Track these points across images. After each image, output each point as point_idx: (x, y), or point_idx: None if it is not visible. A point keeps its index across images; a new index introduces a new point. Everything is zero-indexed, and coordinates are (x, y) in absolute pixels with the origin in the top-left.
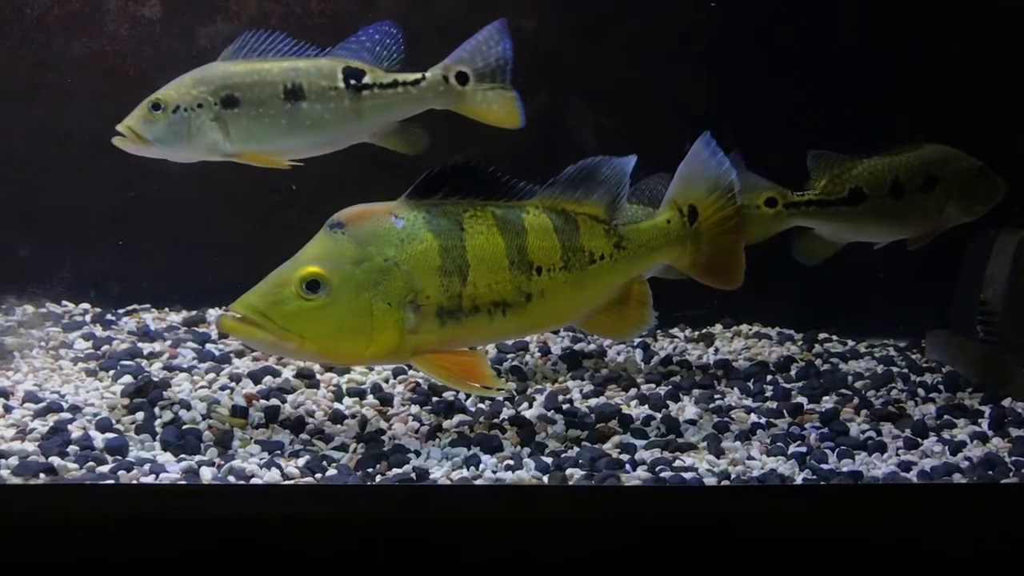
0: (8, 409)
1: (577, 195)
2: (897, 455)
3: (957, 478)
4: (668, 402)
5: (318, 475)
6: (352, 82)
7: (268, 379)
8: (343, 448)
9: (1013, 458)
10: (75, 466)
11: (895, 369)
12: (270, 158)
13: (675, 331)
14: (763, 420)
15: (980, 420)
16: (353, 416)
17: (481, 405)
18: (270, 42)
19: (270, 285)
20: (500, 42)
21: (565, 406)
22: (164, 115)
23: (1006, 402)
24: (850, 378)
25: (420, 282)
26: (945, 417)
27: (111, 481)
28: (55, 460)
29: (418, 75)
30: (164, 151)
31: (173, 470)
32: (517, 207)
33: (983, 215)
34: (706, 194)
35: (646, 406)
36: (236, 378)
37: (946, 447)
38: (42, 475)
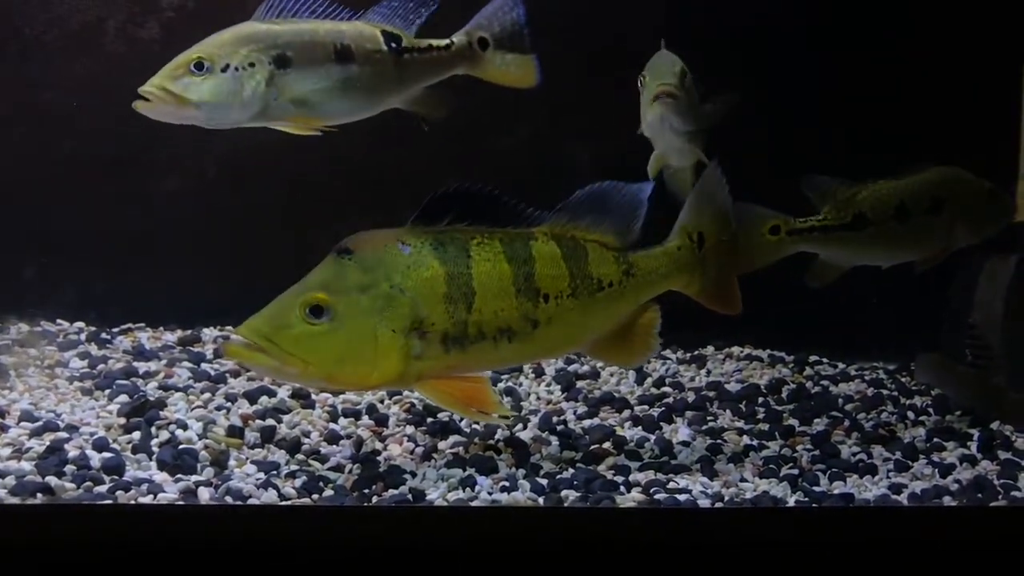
0: (4, 428)
1: (587, 222)
2: (888, 477)
3: (947, 500)
4: (661, 424)
5: (314, 496)
6: (393, 45)
7: (264, 399)
8: (339, 469)
9: (1001, 481)
10: (72, 486)
11: (885, 392)
12: (312, 124)
13: (667, 353)
14: (755, 442)
15: (969, 443)
16: (348, 437)
17: (476, 426)
18: (303, 1)
19: (275, 309)
20: (514, 8)
21: (559, 427)
22: (211, 75)
23: (994, 425)
24: (841, 400)
25: (425, 309)
26: (935, 440)
27: (109, 501)
28: (52, 480)
29: (447, 40)
30: (210, 114)
31: (171, 490)
32: (525, 234)
33: (992, 236)
34: (712, 220)
35: (640, 428)
36: (232, 398)
37: (936, 470)
38: (39, 495)
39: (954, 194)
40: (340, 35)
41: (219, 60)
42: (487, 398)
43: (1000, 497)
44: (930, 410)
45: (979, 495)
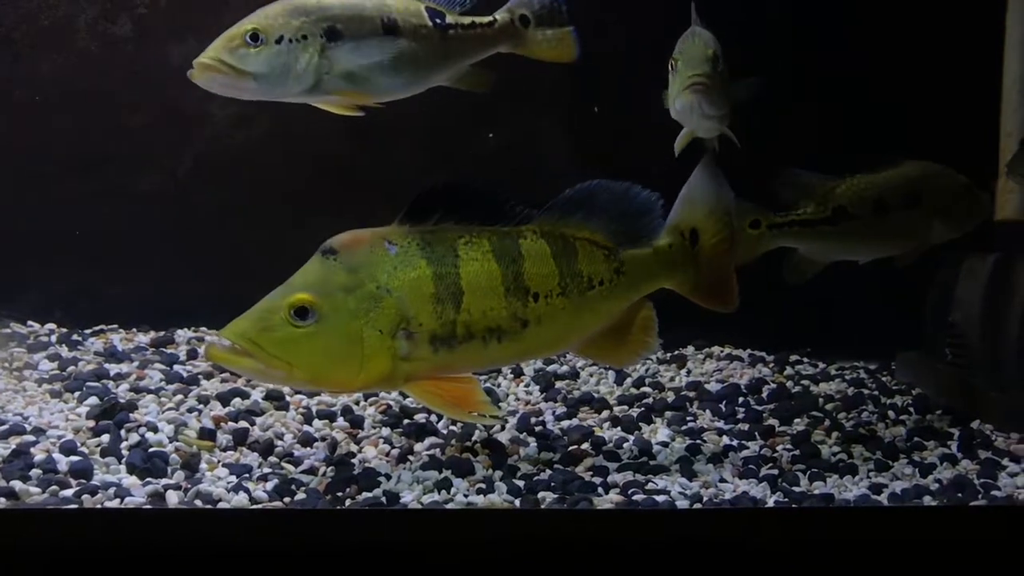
0: None
1: (576, 219)
2: (868, 477)
3: (927, 500)
4: (640, 424)
5: (287, 499)
6: (437, 21)
7: (237, 401)
8: (312, 471)
9: (982, 480)
10: (37, 490)
11: (865, 391)
12: (360, 100)
13: None
14: (735, 442)
15: (949, 442)
16: (323, 439)
17: (453, 427)
18: None
19: (260, 311)
20: None
21: (537, 428)
22: (266, 46)
23: (975, 424)
24: (821, 400)
25: (412, 309)
26: (915, 439)
27: (75, 506)
28: (16, 484)
29: (490, 17)
30: (265, 87)
31: (139, 494)
32: (514, 233)
33: (968, 231)
34: (706, 217)
35: (618, 428)
36: (204, 400)
37: (916, 469)
38: (2, 500)
39: (931, 188)
40: (387, 9)
41: (273, 32)
42: (477, 398)
43: (980, 496)
44: (911, 409)
45: (959, 494)
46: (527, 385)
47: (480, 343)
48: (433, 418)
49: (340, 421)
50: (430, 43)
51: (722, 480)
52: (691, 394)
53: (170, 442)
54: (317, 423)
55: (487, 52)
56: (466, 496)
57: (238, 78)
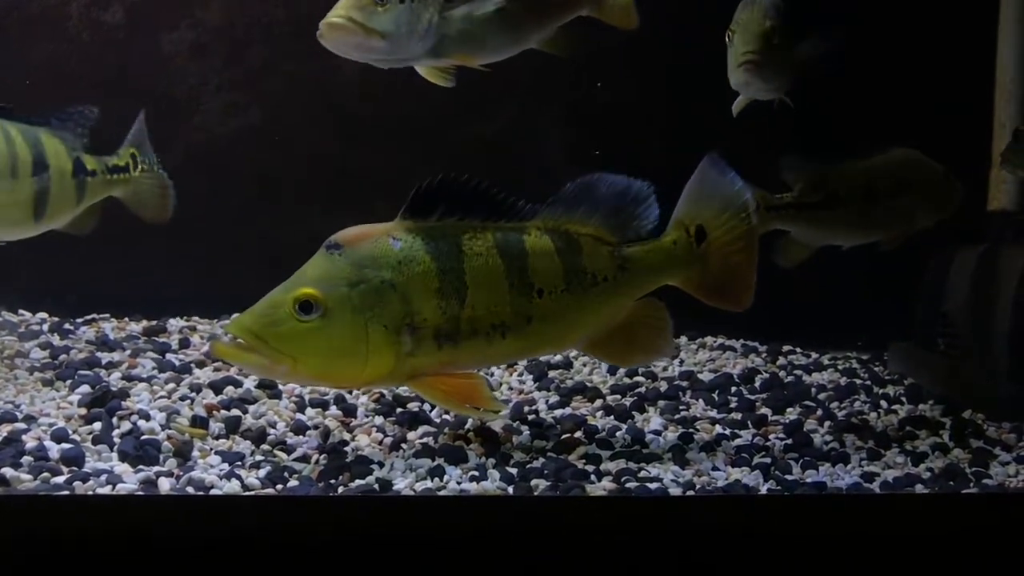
0: None
1: (579, 215)
2: (860, 466)
3: (919, 489)
4: (633, 413)
5: (279, 486)
6: None
7: (229, 389)
8: (305, 459)
9: (973, 469)
10: (29, 477)
11: (858, 381)
12: (468, 62)
13: None
14: (728, 431)
15: (941, 431)
16: (316, 427)
17: (446, 416)
18: None
19: (265, 306)
20: None
21: (531, 417)
22: (392, 6)
23: (966, 413)
24: (813, 390)
25: (417, 304)
26: (907, 428)
27: (66, 492)
28: (8, 471)
29: None
30: (392, 47)
31: (131, 481)
32: (518, 228)
33: (944, 218)
34: (716, 215)
35: (612, 417)
36: (196, 388)
37: (908, 458)
38: None
39: (916, 175)
40: None
41: None
42: (483, 394)
43: (971, 485)
44: (903, 399)
45: (951, 483)
46: (520, 374)
47: (484, 339)
48: (426, 407)
49: (333, 409)
50: (527, 4)
51: (715, 468)
52: (684, 383)
53: (162, 430)
54: (310, 411)
55: (572, 14)
56: (459, 484)
57: (367, 37)
